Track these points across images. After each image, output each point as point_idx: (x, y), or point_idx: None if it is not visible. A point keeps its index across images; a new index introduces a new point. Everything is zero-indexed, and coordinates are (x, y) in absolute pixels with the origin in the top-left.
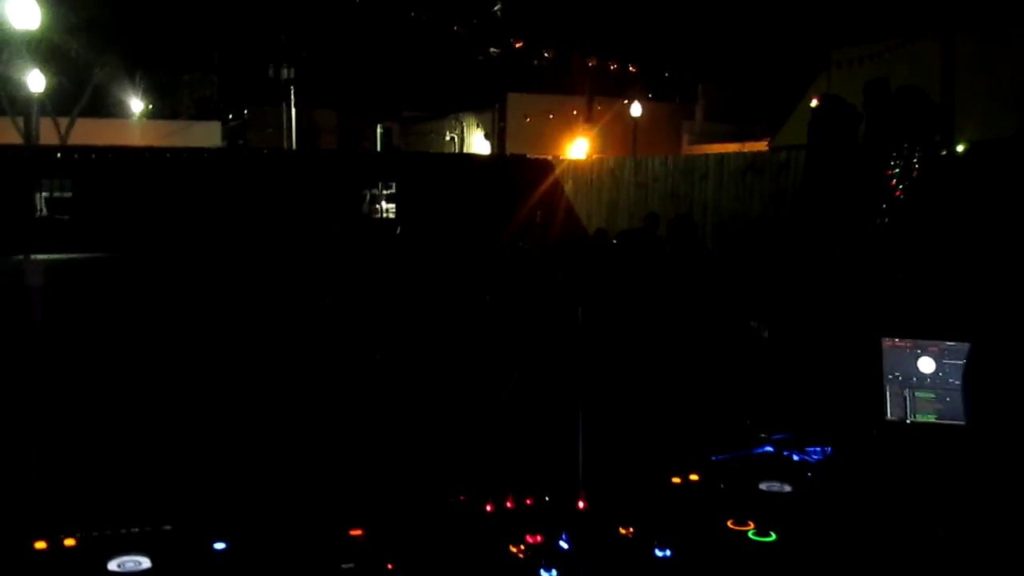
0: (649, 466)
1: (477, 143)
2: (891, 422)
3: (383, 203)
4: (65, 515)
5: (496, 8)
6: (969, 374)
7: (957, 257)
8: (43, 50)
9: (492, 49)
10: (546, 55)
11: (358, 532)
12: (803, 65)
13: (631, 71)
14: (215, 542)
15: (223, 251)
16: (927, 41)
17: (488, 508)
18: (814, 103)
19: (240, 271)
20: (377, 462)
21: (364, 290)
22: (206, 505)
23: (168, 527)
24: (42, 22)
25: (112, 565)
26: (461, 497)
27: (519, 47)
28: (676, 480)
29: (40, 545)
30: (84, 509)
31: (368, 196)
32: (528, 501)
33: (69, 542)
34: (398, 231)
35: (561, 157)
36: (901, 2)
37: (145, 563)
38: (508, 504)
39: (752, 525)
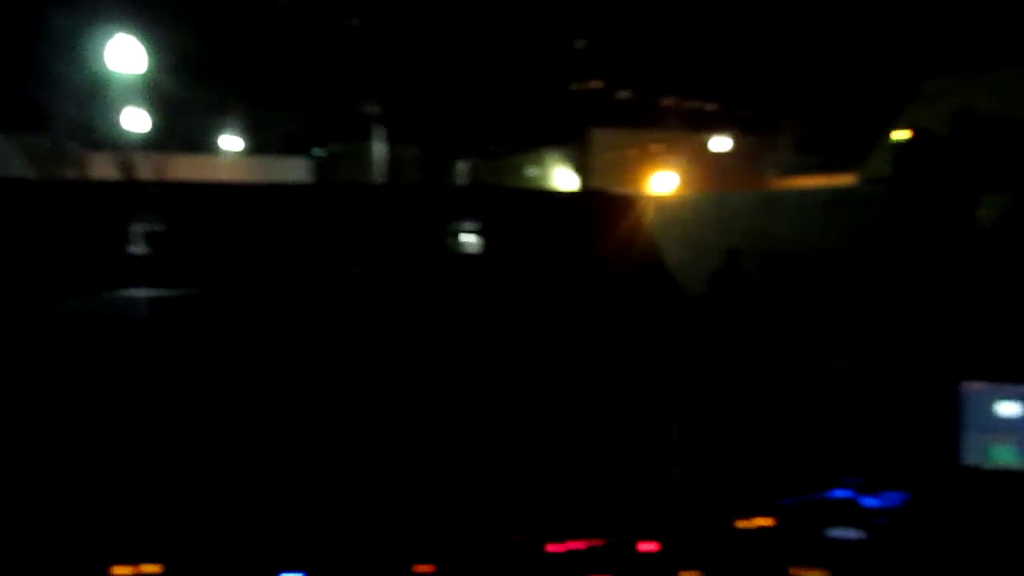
0: (717, 510)
1: (560, 178)
2: (968, 467)
3: (469, 238)
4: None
5: (578, 44)
6: None
7: None
8: (146, 90)
9: (574, 85)
10: (627, 92)
11: None
12: (890, 96)
13: (713, 107)
14: None
15: (326, 285)
16: (1014, 71)
17: (551, 548)
18: (900, 135)
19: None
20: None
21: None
22: None
23: None
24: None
25: None
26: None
27: (600, 85)
28: (743, 524)
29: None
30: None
31: (456, 231)
32: (580, 544)
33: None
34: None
35: (645, 193)
36: (987, 32)
37: None
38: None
39: (820, 572)
